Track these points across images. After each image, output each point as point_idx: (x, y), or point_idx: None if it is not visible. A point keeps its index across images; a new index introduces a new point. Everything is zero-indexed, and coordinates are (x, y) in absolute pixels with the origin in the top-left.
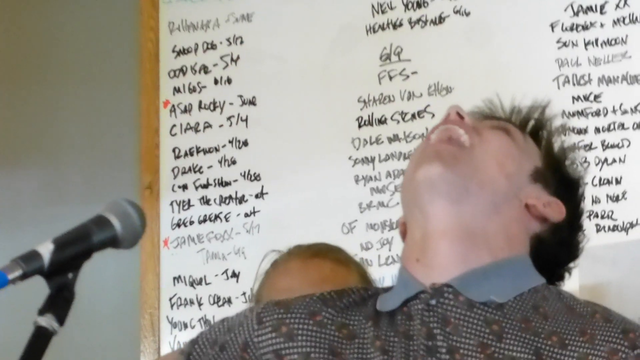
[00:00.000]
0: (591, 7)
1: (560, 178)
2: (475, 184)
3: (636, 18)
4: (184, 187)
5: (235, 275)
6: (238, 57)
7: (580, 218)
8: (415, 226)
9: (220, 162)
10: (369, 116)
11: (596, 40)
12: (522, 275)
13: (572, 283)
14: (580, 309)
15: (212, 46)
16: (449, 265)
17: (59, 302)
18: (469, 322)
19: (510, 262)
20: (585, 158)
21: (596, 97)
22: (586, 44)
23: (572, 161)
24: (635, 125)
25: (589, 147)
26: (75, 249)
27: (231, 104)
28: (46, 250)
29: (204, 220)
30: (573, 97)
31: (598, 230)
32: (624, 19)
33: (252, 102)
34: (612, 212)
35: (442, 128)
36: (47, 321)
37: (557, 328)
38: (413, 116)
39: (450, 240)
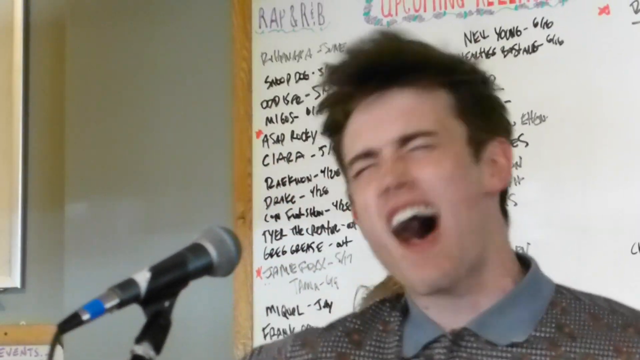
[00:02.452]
0: None
1: (485, 115)
2: (460, 252)
3: None
4: (277, 216)
5: (327, 305)
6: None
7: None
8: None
9: (312, 191)
10: None
11: None
12: (535, 295)
13: None
14: (607, 318)
15: (305, 76)
16: (463, 310)
17: (156, 330)
18: None
19: (521, 289)
20: None
21: None
22: None
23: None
24: None
25: None
26: (171, 277)
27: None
28: (143, 279)
29: (297, 250)
30: None
31: None
32: None
33: None
34: None
35: (400, 220)
36: (144, 350)
37: (589, 349)
38: None
39: (454, 295)
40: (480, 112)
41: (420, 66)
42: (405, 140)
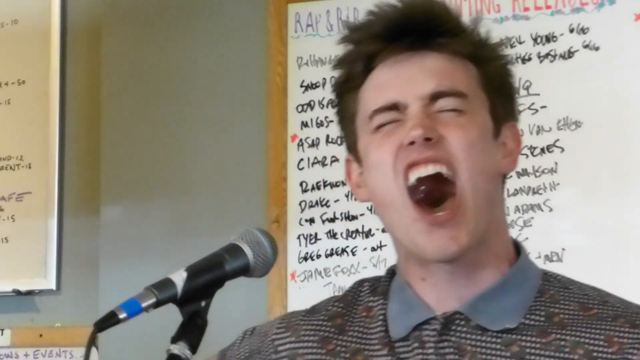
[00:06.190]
0: None
1: (502, 91)
2: (474, 224)
3: None
4: (311, 220)
5: None
6: None
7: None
8: (410, 253)
9: (347, 195)
10: None
11: None
12: (525, 281)
13: None
14: (597, 308)
15: None
16: (458, 288)
17: (192, 330)
18: (486, 347)
19: (513, 275)
20: None
21: None
22: None
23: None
24: None
25: None
26: (208, 277)
27: None
28: (179, 279)
29: (331, 254)
30: None
31: None
32: None
33: None
34: None
35: (419, 176)
36: (180, 349)
37: (580, 337)
38: (542, 150)
39: (456, 266)
40: (502, 92)
41: (453, 33)
42: (436, 97)
